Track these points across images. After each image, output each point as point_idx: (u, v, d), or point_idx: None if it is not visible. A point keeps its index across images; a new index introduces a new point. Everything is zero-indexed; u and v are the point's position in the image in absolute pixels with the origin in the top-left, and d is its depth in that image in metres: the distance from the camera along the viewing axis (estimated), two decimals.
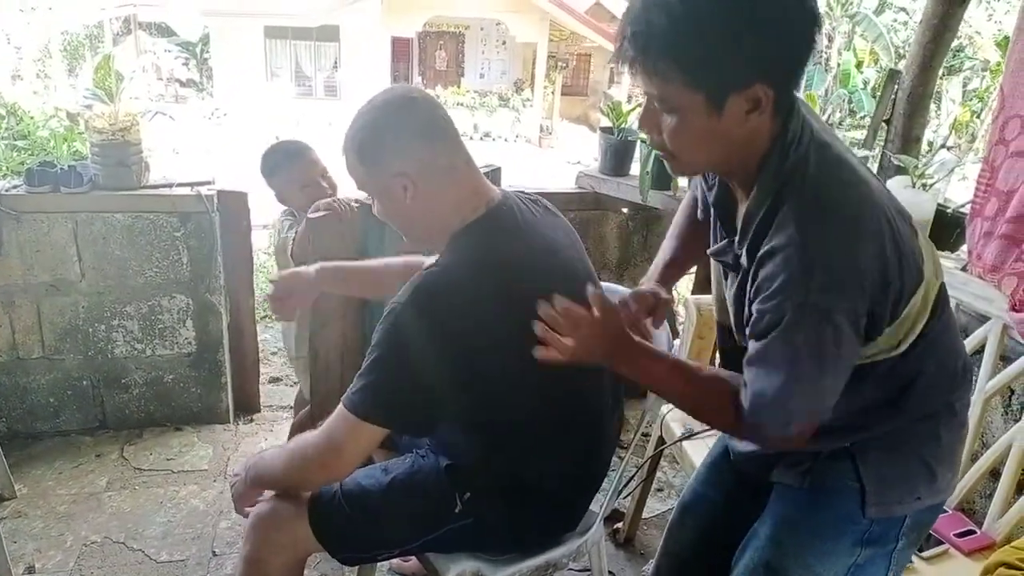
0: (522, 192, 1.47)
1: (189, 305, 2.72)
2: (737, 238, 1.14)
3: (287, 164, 2.24)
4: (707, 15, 0.97)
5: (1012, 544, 1.34)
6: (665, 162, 1.17)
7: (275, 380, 3.62)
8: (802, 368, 1.03)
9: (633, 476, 2.24)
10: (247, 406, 2.98)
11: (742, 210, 1.14)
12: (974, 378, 1.83)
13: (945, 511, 1.75)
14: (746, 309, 1.10)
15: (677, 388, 1.21)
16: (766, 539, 1.28)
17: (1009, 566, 1.27)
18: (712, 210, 1.24)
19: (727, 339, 1.29)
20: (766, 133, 1.06)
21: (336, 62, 17.39)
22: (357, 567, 1.86)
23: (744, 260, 1.11)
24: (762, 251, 1.05)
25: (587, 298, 1.14)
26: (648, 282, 1.44)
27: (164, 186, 2.62)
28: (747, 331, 1.09)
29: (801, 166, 1.05)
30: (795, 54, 1.02)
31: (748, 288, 1.09)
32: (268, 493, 1.46)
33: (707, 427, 2.00)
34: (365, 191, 1.40)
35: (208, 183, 2.67)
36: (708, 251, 1.25)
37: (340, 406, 1.28)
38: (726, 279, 1.24)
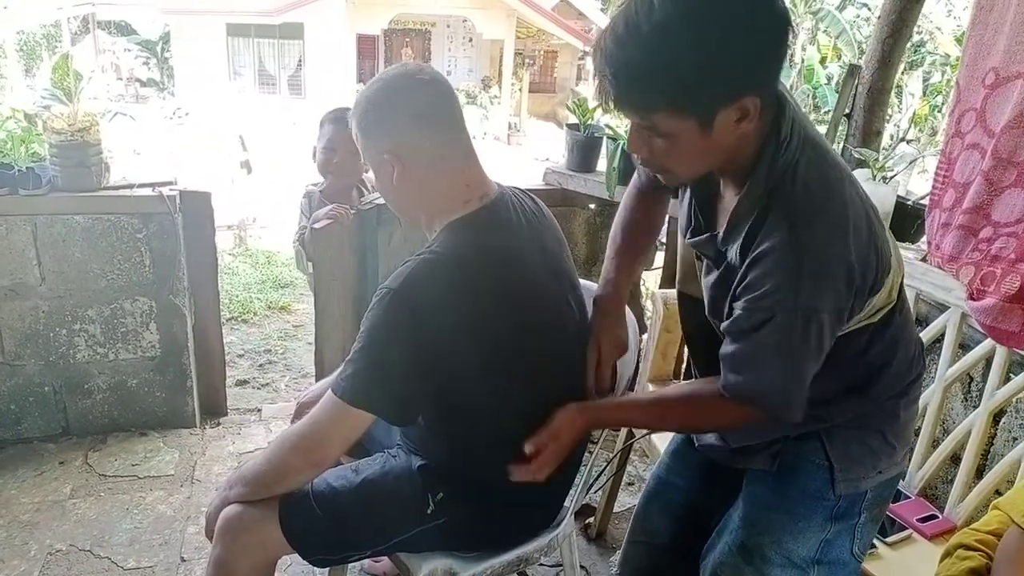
0: (519, 190, 1.47)
1: (152, 308, 2.67)
2: (722, 234, 1.16)
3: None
4: (682, 41, 0.97)
5: (971, 526, 1.37)
6: (659, 176, 1.20)
7: (242, 383, 3.57)
8: (795, 359, 1.09)
9: (603, 471, 2.25)
10: (213, 410, 2.94)
11: (727, 203, 1.16)
12: (935, 366, 1.88)
13: (909, 497, 1.79)
14: (728, 302, 1.13)
15: (664, 417, 1.34)
16: (739, 521, 1.31)
17: (967, 547, 1.31)
18: (692, 199, 1.25)
19: (694, 313, 1.32)
20: (757, 133, 1.08)
21: (300, 60, 17.20)
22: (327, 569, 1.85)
23: (735, 258, 1.13)
24: (755, 252, 1.08)
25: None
26: (605, 293, 1.50)
27: (125, 187, 2.57)
28: (730, 323, 1.12)
29: (792, 166, 1.08)
30: (773, 58, 1.03)
31: (734, 284, 1.12)
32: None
33: None
34: (365, 160, 1.40)
35: (170, 183, 2.62)
36: (687, 239, 1.27)
37: (329, 392, 1.27)
38: (700, 262, 1.27)
